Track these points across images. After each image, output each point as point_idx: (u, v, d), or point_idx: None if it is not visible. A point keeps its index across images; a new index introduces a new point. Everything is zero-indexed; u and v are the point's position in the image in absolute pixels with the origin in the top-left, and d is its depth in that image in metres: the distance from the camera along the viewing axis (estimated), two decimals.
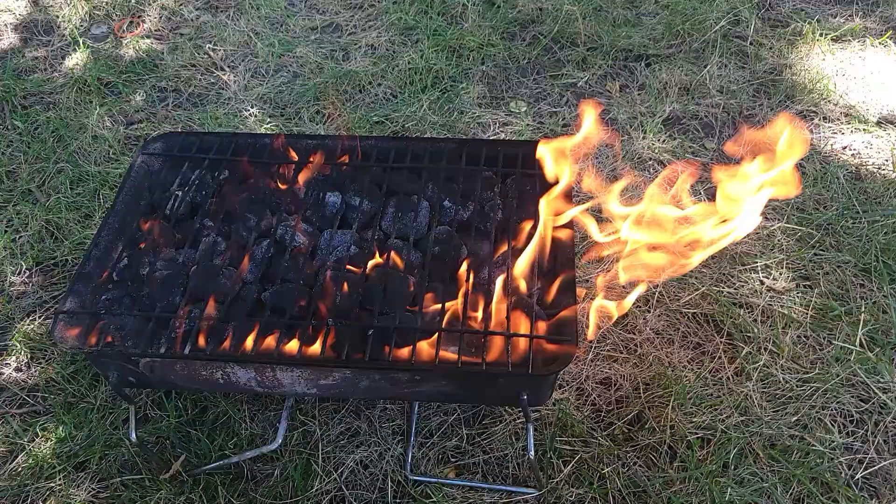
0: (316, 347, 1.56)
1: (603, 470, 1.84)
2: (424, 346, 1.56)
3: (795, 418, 1.91)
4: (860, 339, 2.05)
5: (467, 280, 1.65)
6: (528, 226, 1.73)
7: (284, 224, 1.80)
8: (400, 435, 1.93)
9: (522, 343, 1.55)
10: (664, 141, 2.65)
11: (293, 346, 1.57)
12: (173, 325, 1.60)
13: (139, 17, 3.23)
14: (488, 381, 1.59)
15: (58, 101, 2.84)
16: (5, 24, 3.22)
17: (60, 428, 1.93)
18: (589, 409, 1.96)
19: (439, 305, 1.61)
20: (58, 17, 3.24)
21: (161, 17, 3.22)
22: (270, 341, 1.57)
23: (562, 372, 1.87)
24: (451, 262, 1.72)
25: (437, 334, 1.55)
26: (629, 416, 1.93)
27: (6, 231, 2.39)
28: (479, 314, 1.60)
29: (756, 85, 2.87)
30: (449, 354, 1.56)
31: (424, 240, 1.78)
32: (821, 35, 3.03)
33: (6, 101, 2.84)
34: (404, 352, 1.55)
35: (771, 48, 3.01)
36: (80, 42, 3.08)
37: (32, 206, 2.46)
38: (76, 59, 3.03)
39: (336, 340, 1.57)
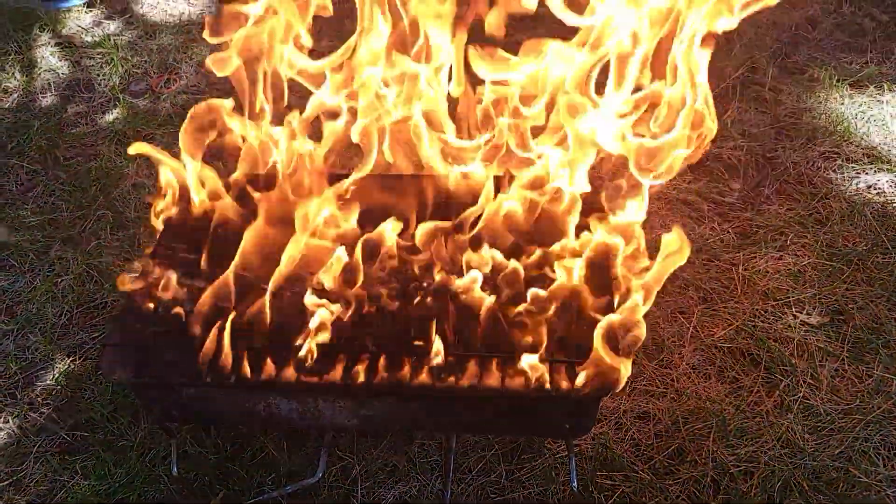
0: (360, 375, 1.58)
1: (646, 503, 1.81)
2: (466, 371, 1.57)
3: (839, 450, 1.89)
4: None
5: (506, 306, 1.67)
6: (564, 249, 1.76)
7: None
8: (438, 471, 1.91)
9: (565, 368, 1.56)
10: (689, 182, 2.69)
11: (336, 374, 1.59)
12: (218, 355, 1.63)
13: (176, 73, 3.37)
14: (530, 407, 1.59)
15: (98, 153, 2.94)
16: (49, 83, 3.36)
17: (100, 466, 1.94)
18: (628, 444, 1.94)
19: (479, 330, 1.63)
20: (98, 75, 3.38)
21: (197, 73, 3.35)
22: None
23: (601, 402, 1.86)
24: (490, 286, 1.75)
25: (478, 359, 1.57)
26: (670, 450, 1.91)
27: (48, 275, 2.45)
28: (520, 339, 1.61)
29: (777, 128, 2.93)
30: (491, 380, 1.57)
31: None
32: (837, 80, 3.10)
33: (49, 153, 2.94)
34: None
35: (789, 93, 3.08)
36: (120, 98, 3.21)
37: (74, 250, 2.52)
38: (116, 114, 3.15)
39: (378, 367, 1.58)
